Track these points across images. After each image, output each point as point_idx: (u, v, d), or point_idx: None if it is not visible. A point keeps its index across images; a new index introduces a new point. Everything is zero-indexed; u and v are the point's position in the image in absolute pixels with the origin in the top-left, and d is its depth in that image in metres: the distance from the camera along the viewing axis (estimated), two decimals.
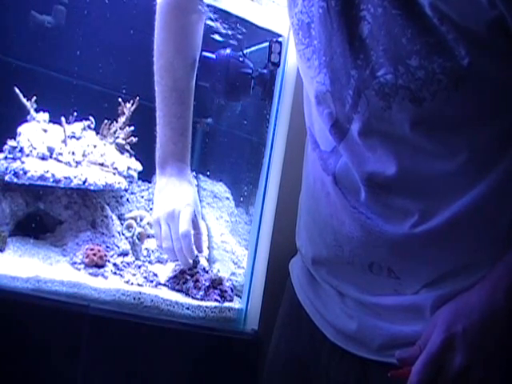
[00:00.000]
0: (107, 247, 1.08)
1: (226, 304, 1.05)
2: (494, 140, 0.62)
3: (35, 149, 1.06)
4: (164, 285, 1.07)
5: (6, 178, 1.00)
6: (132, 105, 1.25)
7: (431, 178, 0.65)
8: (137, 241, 1.17)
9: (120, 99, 1.25)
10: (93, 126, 1.23)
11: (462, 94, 0.58)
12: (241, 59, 1.22)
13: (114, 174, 1.16)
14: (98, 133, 1.24)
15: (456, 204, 0.64)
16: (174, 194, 1.05)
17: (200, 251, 1.08)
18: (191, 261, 1.06)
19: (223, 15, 1.13)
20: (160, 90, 1.06)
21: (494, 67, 0.57)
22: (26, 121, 1.14)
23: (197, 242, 1.04)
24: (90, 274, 0.99)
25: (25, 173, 1.00)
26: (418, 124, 0.62)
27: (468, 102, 0.59)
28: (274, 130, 1.09)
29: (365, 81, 0.64)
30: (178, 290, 1.06)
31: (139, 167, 1.24)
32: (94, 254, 1.01)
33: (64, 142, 1.12)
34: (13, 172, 1.00)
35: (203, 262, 1.14)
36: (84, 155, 1.13)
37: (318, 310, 0.82)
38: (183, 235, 0.99)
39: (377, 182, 0.68)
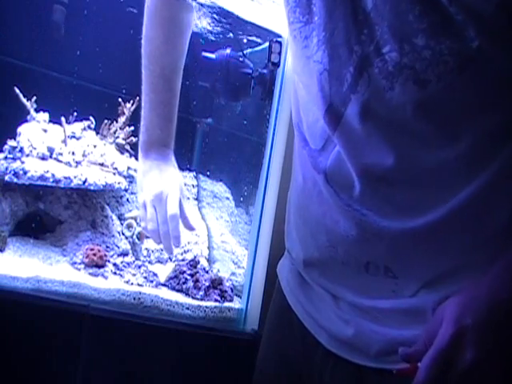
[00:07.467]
0: (107, 247, 1.08)
1: (226, 304, 1.05)
2: (498, 128, 0.60)
3: (35, 149, 1.06)
4: (164, 285, 1.07)
5: (6, 178, 1.00)
6: (132, 105, 1.25)
7: (431, 168, 0.62)
8: (137, 241, 1.17)
9: (120, 99, 1.25)
10: (93, 126, 1.23)
11: (466, 78, 0.57)
12: (241, 59, 1.22)
13: (114, 174, 1.16)
14: (98, 133, 1.24)
15: (456, 196, 0.62)
16: (161, 177, 1.01)
17: (191, 229, 1.03)
18: (174, 247, 1.03)
19: (223, 14, 1.13)
20: (147, 74, 1.03)
21: (500, 54, 0.56)
22: (26, 121, 1.14)
23: (185, 222, 1.00)
24: (90, 274, 0.99)
25: (25, 173, 1.00)
26: (420, 108, 0.59)
27: (472, 87, 0.57)
28: (274, 129, 1.09)
29: (368, 57, 0.61)
30: (178, 290, 1.06)
31: None
32: (94, 254, 1.01)
33: (64, 142, 1.12)
34: (13, 172, 1.00)
35: (203, 262, 1.14)
36: (84, 155, 1.13)
37: (311, 314, 0.79)
38: (171, 217, 0.96)
39: (373, 174, 0.65)
